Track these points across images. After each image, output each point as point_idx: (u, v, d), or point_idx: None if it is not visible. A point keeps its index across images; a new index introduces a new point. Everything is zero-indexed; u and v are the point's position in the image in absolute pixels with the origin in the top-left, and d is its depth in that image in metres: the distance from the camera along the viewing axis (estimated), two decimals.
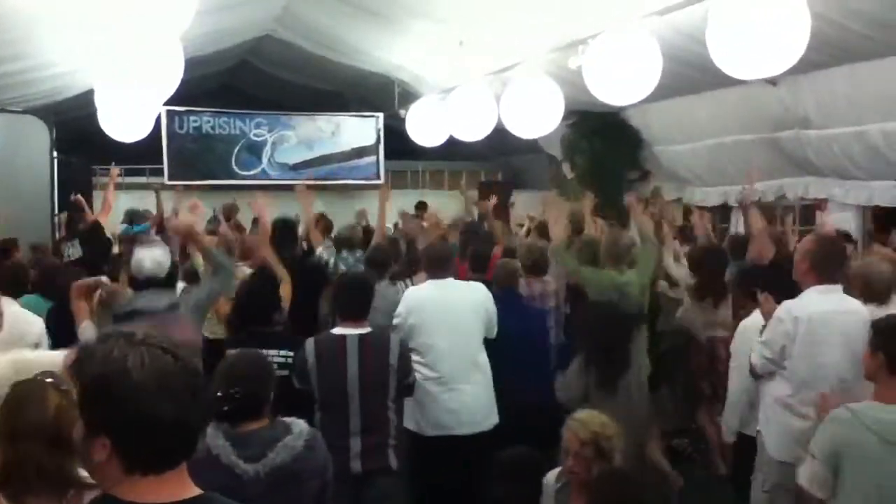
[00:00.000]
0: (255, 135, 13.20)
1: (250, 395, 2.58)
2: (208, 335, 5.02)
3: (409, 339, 4.39)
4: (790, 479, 3.57)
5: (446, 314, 4.52)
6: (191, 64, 5.69)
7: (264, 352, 4.03)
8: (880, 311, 4.15)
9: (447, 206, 10.92)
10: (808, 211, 8.83)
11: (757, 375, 3.85)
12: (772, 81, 7.27)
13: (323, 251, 6.05)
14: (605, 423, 3.07)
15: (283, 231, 5.99)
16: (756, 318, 4.12)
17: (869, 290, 4.10)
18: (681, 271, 6.34)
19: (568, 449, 3.04)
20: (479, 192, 12.00)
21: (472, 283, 4.98)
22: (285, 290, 4.71)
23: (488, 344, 4.68)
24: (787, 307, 3.68)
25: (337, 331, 3.90)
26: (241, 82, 14.20)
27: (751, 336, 4.05)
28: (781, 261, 4.98)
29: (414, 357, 4.28)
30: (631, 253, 5.03)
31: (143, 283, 4.14)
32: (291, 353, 3.93)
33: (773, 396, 3.75)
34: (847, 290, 3.90)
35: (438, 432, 4.38)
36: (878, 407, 2.86)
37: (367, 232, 6.85)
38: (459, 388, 4.41)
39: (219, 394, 2.53)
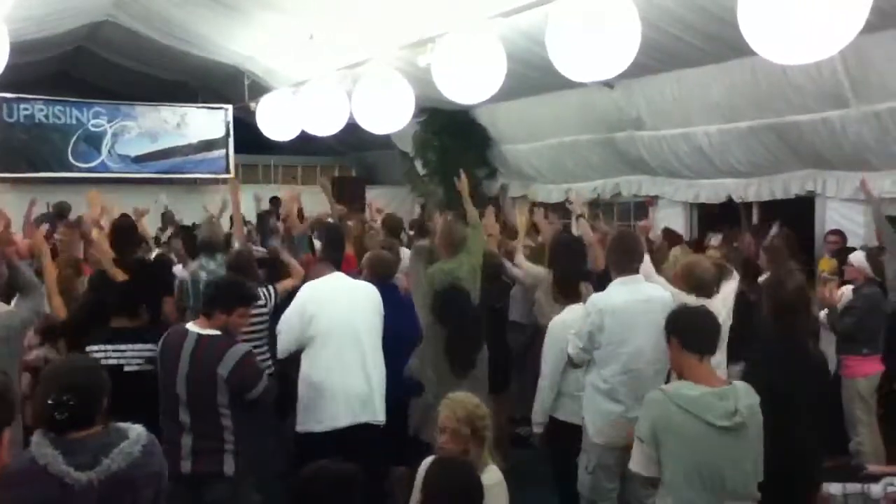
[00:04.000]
0: (93, 125, 12.52)
1: (84, 402, 2.44)
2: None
3: (308, 328, 4.33)
4: (610, 459, 3.88)
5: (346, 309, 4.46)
6: (20, 47, 5.35)
7: (127, 346, 3.94)
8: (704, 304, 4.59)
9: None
10: (642, 208, 9.42)
11: (575, 365, 4.10)
12: (608, 85, 7.71)
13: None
14: (478, 404, 3.18)
15: (123, 232, 5.70)
16: (566, 314, 4.43)
17: (694, 285, 4.46)
18: (533, 269, 6.53)
19: (444, 427, 3.09)
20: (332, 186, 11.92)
21: (358, 280, 4.84)
22: None
23: None
24: (593, 300, 3.96)
25: (188, 325, 3.82)
26: (78, 69, 13.39)
27: (558, 333, 4.32)
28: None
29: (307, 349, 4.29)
30: (465, 241, 5.17)
31: None
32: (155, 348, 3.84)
33: (591, 384, 3.97)
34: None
35: (330, 426, 4.31)
36: (687, 385, 3.03)
37: (227, 235, 6.45)
38: (351, 381, 4.36)
39: (49, 401, 2.40)
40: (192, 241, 6.38)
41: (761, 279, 6.01)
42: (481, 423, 3.12)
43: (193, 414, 3.64)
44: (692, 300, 4.06)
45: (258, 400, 3.79)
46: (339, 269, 4.82)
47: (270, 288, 4.99)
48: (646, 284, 4.01)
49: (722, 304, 4.41)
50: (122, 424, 2.52)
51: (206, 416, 3.64)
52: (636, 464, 3.08)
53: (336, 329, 4.36)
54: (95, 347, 3.91)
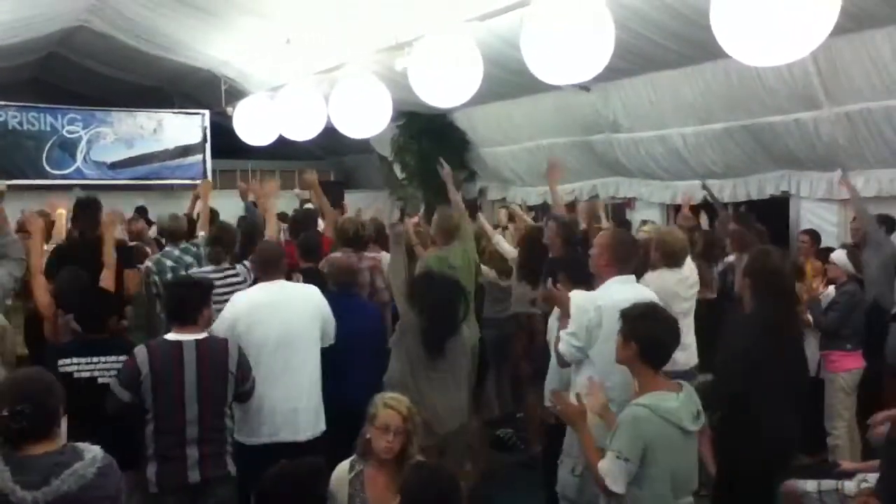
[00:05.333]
0: (68, 131, 12.40)
1: (39, 412, 2.40)
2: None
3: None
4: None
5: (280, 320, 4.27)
6: None
7: (99, 358, 3.86)
8: (672, 275, 4.70)
9: (279, 207, 10.73)
10: (619, 209, 9.48)
11: (565, 364, 4.00)
12: (584, 88, 7.77)
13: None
14: (410, 403, 3.24)
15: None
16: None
17: (668, 254, 4.67)
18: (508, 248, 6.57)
19: (388, 426, 3.09)
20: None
21: (307, 287, 4.67)
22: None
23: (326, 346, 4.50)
24: (592, 297, 3.86)
25: (171, 337, 3.68)
26: (53, 75, 13.25)
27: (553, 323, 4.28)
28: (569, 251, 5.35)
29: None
30: (458, 229, 5.27)
31: None
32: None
33: (581, 383, 3.82)
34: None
35: (270, 440, 4.17)
36: (663, 396, 3.03)
37: (192, 222, 6.45)
38: (289, 394, 4.21)
39: (4, 412, 2.32)
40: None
41: (727, 260, 6.17)
42: (417, 419, 3.21)
43: (202, 421, 3.59)
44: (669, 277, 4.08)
45: (245, 392, 3.82)
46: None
47: (247, 263, 5.11)
48: (638, 285, 4.00)
49: (690, 270, 4.75)
50: (80, 445, 2.45)
51: (213, 421, 3.63)
52: (612, 482, 2.98)
53: (268, 347, 4.17)
54: (67, 360, 3.84)
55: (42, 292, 4.49)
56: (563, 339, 3.90)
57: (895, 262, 5.92)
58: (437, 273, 4.61)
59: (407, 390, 3.77)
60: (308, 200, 7.30)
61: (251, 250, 5.10)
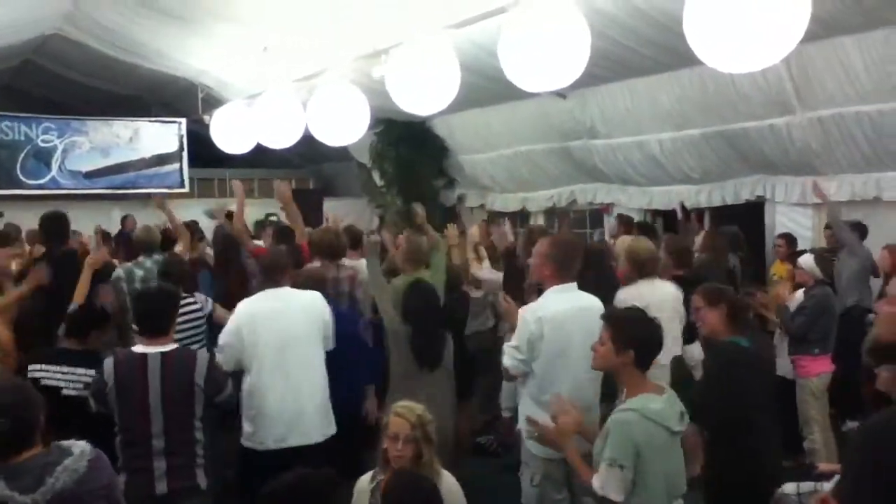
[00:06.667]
0: (42, 140, 12.30)
1: (19, 422, 2.40)
2: None
3: (241, 354, 4.20)
4: (556, 470, 3.77)
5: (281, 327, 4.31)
6: None
7: (70, 370, 3.84)
8: (648, 289, 4.67)
9: (257, 215, 10.69)
10: (598, 215, 9.55)
11: (511, 378, 3.98)
12: (562, 94, 7.81)
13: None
14: (423, 408, 3.21)
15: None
16: None
17: (638, 267, 4.68)
18: (488, 274, 6.62)
19: (398, 434, 3.09)
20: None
21: (310, 292, 4.65)
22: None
23: None
24: (532, 309, 3.82)
25: (138, 349, 3.64)
26: (27, 83, 13.12)
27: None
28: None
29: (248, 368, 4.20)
30: (426, 257, 5.24)
31: None
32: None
33: (528, 394, 3.88)
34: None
35: (278, 445, 4.20)
36: (649, 399, 2.99)
37: (167, 233, 6.43)
38: (294, 399, 4.24)
39: None
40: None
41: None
42: (431, 426, 3.15)
43: (168, 433, 3.55)
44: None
45: (223, 404, 3.78)
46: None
47: (199, 294, 5.17)
48: (581, 292, 3.92)
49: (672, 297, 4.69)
50: (65, 442, 2.48)
51: (181, 433, 3.58)
52: (611, 490, 2.93)
53: (272, 352, 4.22)
54: (38, 367, 3.82)
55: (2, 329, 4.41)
56: (506, 353, 3.87)
57: (871, 266, 6.01)
58: (422, 285, 4.62)
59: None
60: (273, 214, 7.23)
61: (227, 262, 5.13)
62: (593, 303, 3.86)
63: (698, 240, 6.25)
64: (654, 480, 2.95)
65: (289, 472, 2.60)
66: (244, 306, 4.39)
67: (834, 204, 6.39)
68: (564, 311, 3.77)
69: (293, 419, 4.21)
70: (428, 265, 5.23)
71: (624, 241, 6.24)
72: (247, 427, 4.21)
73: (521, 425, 3.93)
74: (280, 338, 4.24)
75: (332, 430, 4.37)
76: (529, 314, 3.79)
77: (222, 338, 4.29)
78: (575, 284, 3.93)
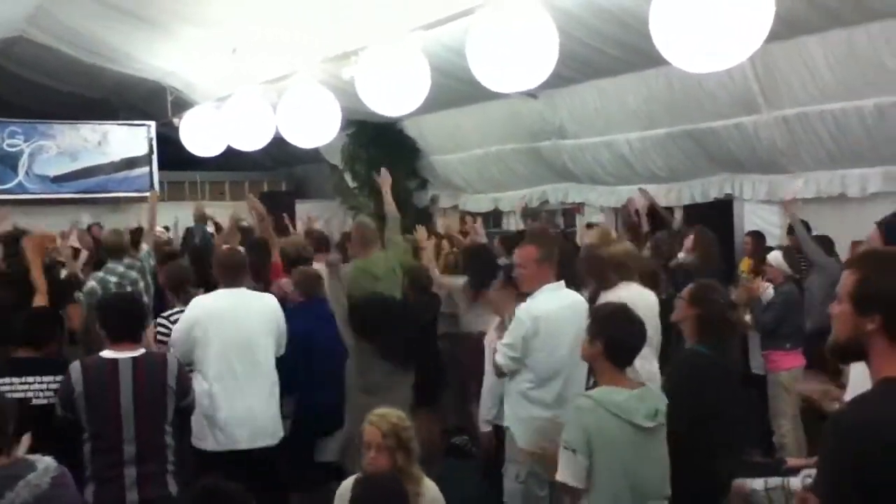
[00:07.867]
0: (8, 145, 12.12)
1: None
2: None
3: (191, 352, 4.20)
4: (540, 466, 3.81)
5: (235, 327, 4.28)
6: None
7: (34, 378, 3.70)
8: (628, 291, 4.58)
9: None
10: (570, 215, 9.60)
11: (502, 374, 4.04)
12: (532, 95, 7.84)
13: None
14: (401, 416, 3.21)
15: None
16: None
17: (617, 266, 4.64)
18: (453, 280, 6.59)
19: (370, 442, 3.09)
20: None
21: (265, 295, 4.69)
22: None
23: (294, 353, 4.53)
24: (526, 308, 3.90)
25: (107, 354, 3.57)
26: None
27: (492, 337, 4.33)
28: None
29: (198, 369, 4.16)
30: (376, 237, 5.26)
31: None
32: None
33: (517, 391, 3.94)
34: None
35: (226, 447, 4.18)
36: (613, 391, 3.02)
37: (136, 234, 6.32)
38: (243, 401, 4.21)
39: None
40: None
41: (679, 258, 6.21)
42: (406, 434, 3.14)
43: (139, 440, 3.49)
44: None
45: (187, 408, 3.75)
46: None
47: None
48: (568, 290, 4.04)
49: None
50: (30, 456, 2.45)
51: (152, 439, 3.52)
52: (567, 475, 2.95)
53: (224, 353, 4.19)
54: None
55: None
56: (499, 351, 3.94)
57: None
58: (377, 298, 4.60)
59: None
60: (242, 219, 7.17)
61: (201, 268, 5.08)
62: (579, 300, 3.95)
63: (687, 242, 6.23)
64: (611, 474, 2.95)
65: (198, 482, 2.58)
66: (198, 303, 4.36)
67: (798, 221, 6.03)
68: (557, 308, 3.87)
69: (242, 421, 4.18)
70: (383, 244, 5.21)
71: (592, 238, 6.28)
72: (195, 428, 4.15)
73: (510, 422, 3.98)
74: (233, 337, 4.20)
75: (280, 433, 4.33)
76: (525, 313, 3.88)
77: (173, 335, 4.24)
78: (563, 283, 4.02)
